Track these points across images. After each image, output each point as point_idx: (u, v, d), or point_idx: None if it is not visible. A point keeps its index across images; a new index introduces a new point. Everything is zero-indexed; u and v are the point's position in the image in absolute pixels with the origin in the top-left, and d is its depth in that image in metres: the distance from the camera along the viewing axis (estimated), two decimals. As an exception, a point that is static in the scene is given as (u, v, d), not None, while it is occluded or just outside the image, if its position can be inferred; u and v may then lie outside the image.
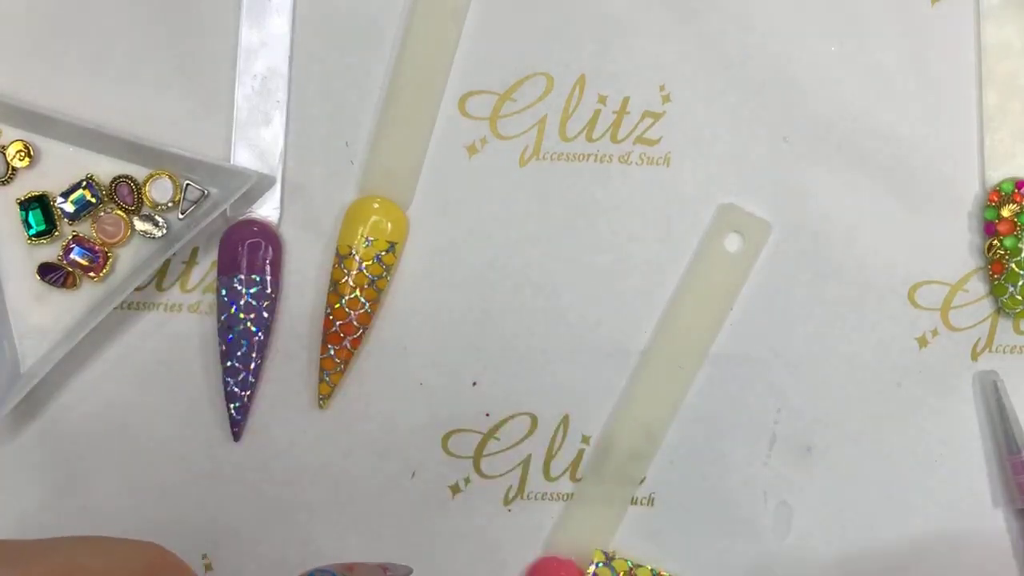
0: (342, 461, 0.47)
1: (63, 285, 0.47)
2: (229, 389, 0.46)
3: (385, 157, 0.48)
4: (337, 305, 0.46)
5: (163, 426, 0.47)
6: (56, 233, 0.47)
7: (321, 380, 0.47)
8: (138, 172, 0.47)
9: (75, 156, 0.47)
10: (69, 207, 0.47)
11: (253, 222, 0.47)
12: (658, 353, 0.47)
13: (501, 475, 0.47)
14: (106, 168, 0.47)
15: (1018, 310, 0.47)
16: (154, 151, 0.46)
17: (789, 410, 0.48)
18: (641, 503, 0.47)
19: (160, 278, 0.47)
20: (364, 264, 0.46)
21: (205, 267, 0.48)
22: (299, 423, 0.47)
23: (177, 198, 0.47)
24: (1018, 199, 0.47)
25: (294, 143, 0.48)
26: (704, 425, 0.48)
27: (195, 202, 0.47)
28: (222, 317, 0.46)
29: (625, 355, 0.48)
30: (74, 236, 0.47)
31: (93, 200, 0.47)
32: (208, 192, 0.47)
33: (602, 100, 0.48)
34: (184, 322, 0.47)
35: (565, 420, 0.47)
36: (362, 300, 0.46)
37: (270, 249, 0.47)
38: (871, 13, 0.49)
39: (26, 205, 0.47)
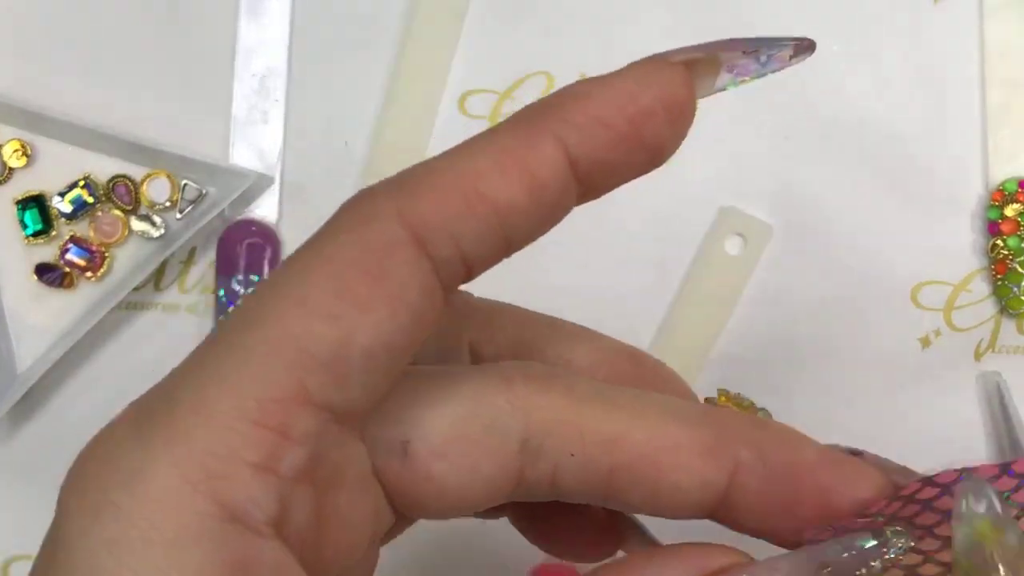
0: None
1: (60, 285, 0.46)
2: (227, 390, 0.46)
3: (385, 157, 0.47)
4: (336, 305, 0.46)
5: (161, 427, 0.47)
6: (53, 233, 0.46)
7: (320, 381, 0.46)
8: (136, 171, 0.47)
9: (72, 155, 0.47)
10: (66, 207, 0.46)
11: (252, 222, 0.47)
12: (659, 354, 0.47)
13: (501, 477, 0.47)
14: (103, 167, 0.47)
15: (1021, 310, 0.47)
16: (152, 150, 0.46)
17: (791, 412, 0.47)
18: (642, 505, 0.47)
19: (158, 278, 0.47)
20: (363, 264, 0.46)
21: (203, 267, 0.47)
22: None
23: (175, 198, 0.47)
24: (1022, 199, 0.47)
25: (293, 143, 0.48)
26: (705, 426, 0.47)
27: (193, 202, 0.47)
28: (220, 318, 0.46)
29: (626, 356, 0.47)
30: (71, 236, 0.46)
31: (90, 200, 0.46)
32: (206, 192, 0.47)
33: (602, 99, 0.48)
34: (182, 322, 0.47)
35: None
36: (361, 300, 0.46)
37: (269, 249, 0.47)
38: (873, 12, 0.48)
39: (23, 205, 0.46)
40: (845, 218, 0.48)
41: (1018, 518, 0.23)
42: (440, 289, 0.23)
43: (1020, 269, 0.47)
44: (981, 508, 0.22)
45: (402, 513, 0.26)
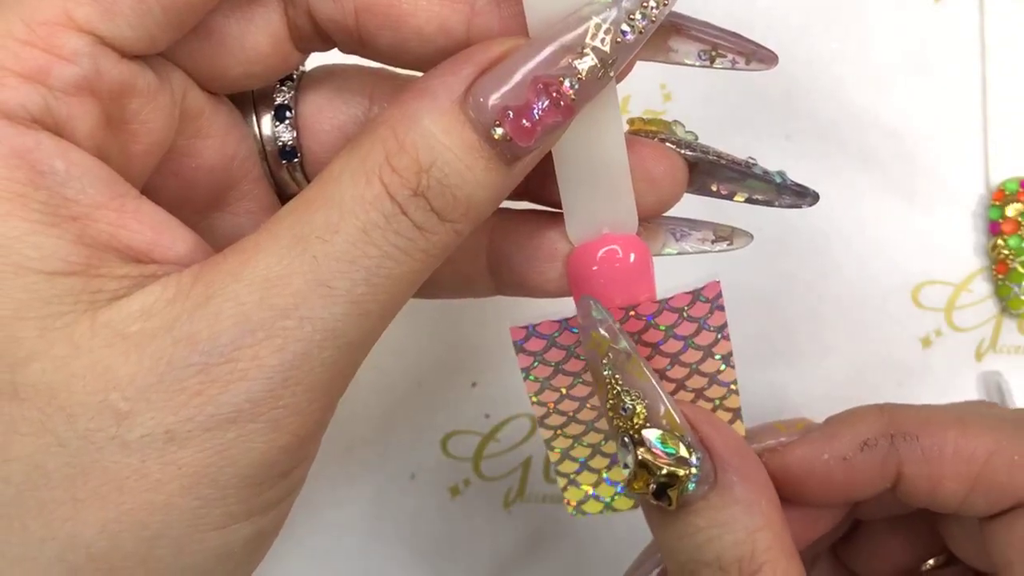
0: (341, 462, 0.47)
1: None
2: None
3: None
4: (336, 306, 0.46)
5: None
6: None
7: (320, 381, 0.46)
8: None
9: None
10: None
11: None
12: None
13: (501, 477, 0.47)
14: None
15: (1022, 310, 0.47)
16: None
17: (791, 411, 0.47)
18: (642, 505, 0.47)
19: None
20: (363, 264, 0.46)
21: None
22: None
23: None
24: (1022, 198, 0.47)
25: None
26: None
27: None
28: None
29: (626, 356, 0.47)
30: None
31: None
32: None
33: (602, 99, 0.48)
34: None
35: (565, 421, 0.47)
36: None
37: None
38: (873, 11, 0.48)
39: None
40: (845, 218, 0.48)
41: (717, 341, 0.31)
42: None
43: (1021, 269, 0.46)
44: (598, 318, 0.28)
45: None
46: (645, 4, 0.26)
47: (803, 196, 0.32)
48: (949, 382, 0.47)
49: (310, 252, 0.24)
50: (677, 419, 0.28)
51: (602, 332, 0.28)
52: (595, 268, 0.29)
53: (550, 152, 0.28)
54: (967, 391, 0.47)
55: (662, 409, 0.28)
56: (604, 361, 0.28)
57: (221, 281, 0.24)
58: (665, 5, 0.26)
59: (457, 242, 0.26)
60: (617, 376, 0.28)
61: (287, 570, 0.47)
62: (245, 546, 0.25)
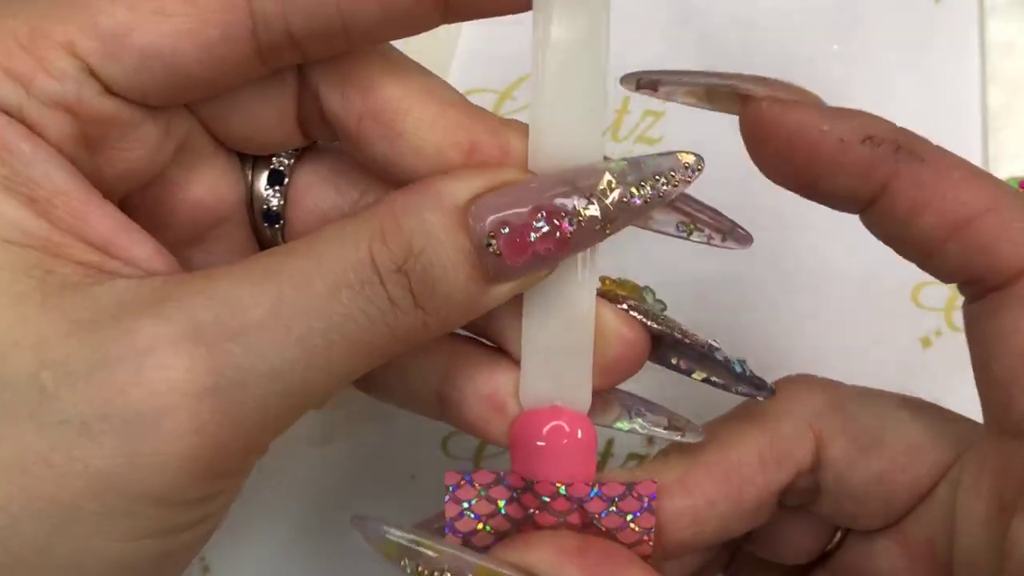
0: (341, 463, 0.47)
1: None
2: (227, 390, 0.46)
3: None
4: (336, 306, 0.46)
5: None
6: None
7: (320, 381, 0.46)
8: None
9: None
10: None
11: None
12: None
13: (501, 477, 0.47)
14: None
15: (1022, 310, 0.47)
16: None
17: (791, 411, 0.47)
18: (642, 505, 0.47)
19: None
20: (363, 264, 0.46)
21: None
22: (298, 424, 0.47)
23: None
24: (1022, 199, 0.47)
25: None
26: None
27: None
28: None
29: (626, 356, 0.47)
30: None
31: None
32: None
33: (603, 99, 0.48)
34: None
35: (566, 422, 0.47)
36: (361, 301, 0.46)
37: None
38: (873, 11, 0.48)
39: None
40: (846, 217, 0.48)
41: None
42: (250, 44, 0.25)
43: (1021, 269, 0.46)
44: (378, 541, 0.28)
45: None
46: (657, 177, 0.27)
47: (759, 389, 0.33)
48: (949, 382, 0.47)
49: (277, 290, 0.24)
50: (493, 568, 0.27)
51: (390, 538, 0.28)
52: (542, 444, 0.29)
53: (520, 308, 0.28)
54: (967, 391, 0.47)
55: (470, 570, 0.27)
56: (403, 564, 0.28)
57: (180, 294, 0.24)
58: (675, 186, 0.27)
59: (421, 338, 0.26)
60: (420, 567, 0.27)
61: (289, 572, 0.47)
62: (151, 563, 0.25)
